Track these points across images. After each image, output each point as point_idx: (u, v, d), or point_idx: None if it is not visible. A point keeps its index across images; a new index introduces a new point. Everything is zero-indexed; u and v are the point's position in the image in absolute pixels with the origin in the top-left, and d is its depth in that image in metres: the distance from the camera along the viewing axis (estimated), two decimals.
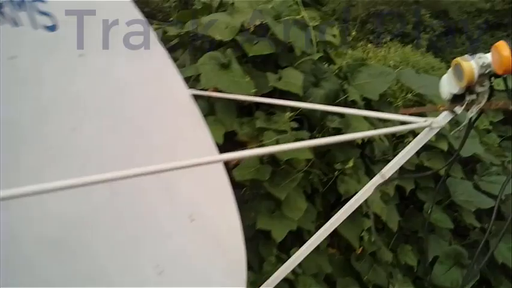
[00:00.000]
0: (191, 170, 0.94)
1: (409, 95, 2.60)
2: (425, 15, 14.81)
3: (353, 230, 2.41)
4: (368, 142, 2.70)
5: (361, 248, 2.67)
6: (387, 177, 1.17)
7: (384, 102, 2.47)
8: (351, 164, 2.03)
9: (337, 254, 2.75)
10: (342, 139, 1.24)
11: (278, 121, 1.87)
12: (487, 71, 0.98)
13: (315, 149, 2.13)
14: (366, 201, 1.99)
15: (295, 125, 1.93)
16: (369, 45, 7.54)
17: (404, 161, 1.15)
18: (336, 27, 2.67)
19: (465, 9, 15.57)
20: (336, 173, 2.15)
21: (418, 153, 2.89)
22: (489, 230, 1.38)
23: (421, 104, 2.92)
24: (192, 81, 1.87)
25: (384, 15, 14.24)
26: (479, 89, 1.01)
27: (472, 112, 1.05)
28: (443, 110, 1.13)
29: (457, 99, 1.10)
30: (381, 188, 1.27)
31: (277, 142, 1.79)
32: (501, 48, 0.91)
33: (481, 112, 1.07)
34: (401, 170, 1.32)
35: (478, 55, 1.00)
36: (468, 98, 1.05)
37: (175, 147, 1.46)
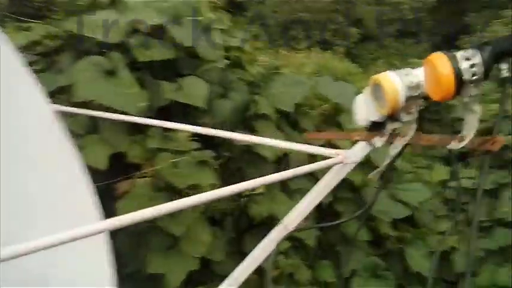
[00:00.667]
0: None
1: (327, 105, 2.47)
2: (343, 23, 15.43)
3: None
4: (284, 155, 2.53)
5: (277, 270, 2.49)
6: (291, 229, 0.94)
7: (300, 113, 2.31)
8: (260, 189, 1.82)
9: (252, 278, 2.54)
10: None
11: (176, 140, 1.59)
12: (417, 93, 0.75)
13: (223, 168, 1.88)
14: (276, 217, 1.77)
15: (196, 144, 1.66)
16: (283, 52, 7.54)
17: (312, 208, 0.93)
18: (249, 32, 2.47)
19: (378, 18, 16.49)
20: (247, 193, 1.92)
21: None
22: None
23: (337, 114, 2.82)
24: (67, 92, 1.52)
25: (305, 22, 14.55)
26: (405, 118, 0.80)
27: (396, 147, 0.84)
28: (359, 140, 0.94)
29: (376, 126, 0.90)
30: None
31: (175, 165, 1.51)
32: (438, 63, 0.65)
33: (405, 146, 0.84)
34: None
35: (404, 71, 0.76)
36: (390, 126, 0.85)
37: (26, 178, 1.11)
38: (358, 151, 0.92)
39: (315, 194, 0.92)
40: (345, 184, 2.98)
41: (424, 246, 2.99)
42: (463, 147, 0.71)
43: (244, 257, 0.96)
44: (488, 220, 3.07)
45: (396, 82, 0.74)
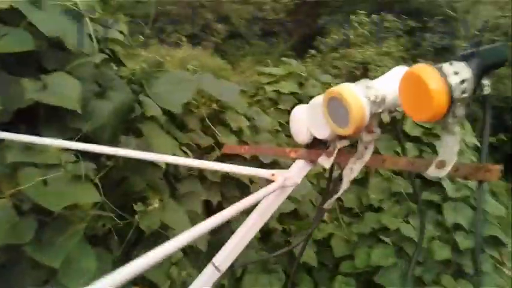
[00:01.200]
0: None
1: (214, 105, 2.36)
2: (211, 19, 15.53)
3: (158, 268, 2.01)
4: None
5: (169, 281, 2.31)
6: (224, 270, 0.80)
7: (188, 114, 2.15)
8: (155, 204, 1.61)
9: None
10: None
11: (44, 151, 1.29)
12: (381, 109, 0.67)
13: (104, 180, 1.62)
14: (168, 227, 1.59)
15: (70, 155, 1.36)
16: (158, 45, 7.20)
17: (244, 246, 0.81)
18: (124, 23, 2.20)
19: (244, 17, 17.06)
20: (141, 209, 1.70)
21: None
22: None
23: (222, 113, 2.74)
24: None
25: (172, 15, 14.19)
26: (366, 137, 0.71)
27: (352, 171, 0.76)
28: (295, 158, 0.84)
29: (318, 142, 0.82)
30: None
31: (44, 183, 1.22)
32: (427, 77, 0.55)
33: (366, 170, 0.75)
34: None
35: (363, 82, 0.66)
36: (339, 145, 0.77)
37: None
38: (299, 171, 0.83)
39: (247, 227, 0.78)
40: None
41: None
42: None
43: None
44: (359, 207, 3.39)
45: (361, 97, 0.65)
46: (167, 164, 2.26)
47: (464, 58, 0.58)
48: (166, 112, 1.95)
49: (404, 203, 3.13)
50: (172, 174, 2.34)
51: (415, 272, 2.78)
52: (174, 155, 2.05)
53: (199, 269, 2.69)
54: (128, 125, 1.71)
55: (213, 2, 15.84)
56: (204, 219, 2.52)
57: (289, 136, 4.68)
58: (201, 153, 2.60)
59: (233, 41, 16.24)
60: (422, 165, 0.63)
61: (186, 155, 2.40)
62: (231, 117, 2.75)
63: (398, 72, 0.70)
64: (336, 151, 0.78)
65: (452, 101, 0.56)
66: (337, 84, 3.75)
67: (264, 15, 17.33)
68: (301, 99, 4.61)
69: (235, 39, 16.36)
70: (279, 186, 0.78)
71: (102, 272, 1.73)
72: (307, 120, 0.78)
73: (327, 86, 4.83)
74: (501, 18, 14.23)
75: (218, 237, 3.01)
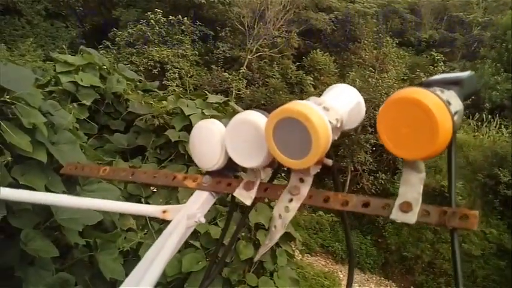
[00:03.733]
0: None
1: (6, 98, 1.83)
2: None
3: None
4: None
5: None
6: None
7: None
8: None
9: None
10: None
11: None
12: (338, 135, 0.55)
13: None
14: None
15: None
16: None
17: None
18: None
19: None
20: None
21: None
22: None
23: None
24: None
25: None
26: (313, 170, 0.57)
27: (289, 211, 0.58)
28: (195, 188, 0.65)
29: (224, 168, 0.64)
30: None
31: None
32: (433, 107, 0.44)
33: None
34: None
35: (315, 100, 0.55)
36: (263, 174, 0.62)
37: None
38: (201, 206, 0.64)
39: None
40: None
41: (115, 248, 2.84)
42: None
43: None
44: None
45: (327, 121, 0.52)
46: None
47: (445, 85, 0.50)
48: None
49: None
50: None
51: (223, 273, 2.88)
52: None
53: None
54: None
55: None
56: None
57: (90, 135, 4.17)
58: None
59: (9, 18, 13.57)
60: (380, 207, 0.53)
61: None
62: (22, 111, 2.24)
63: (344, 90, 0.63)
64: (257, 183, 0.63)
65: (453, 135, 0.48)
66: (143, 82, 3.56)
67: None
68: (104, 94, 4.19)
69: (12, 16, 13.72)
70: (184, 228, 0.60)
71: None
72: (227, 142, 0.61)
73: (132, 83, 4.54)
74: (278, 38, 16.72)
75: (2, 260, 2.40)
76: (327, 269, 11.34)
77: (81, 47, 4.94)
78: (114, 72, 4.52)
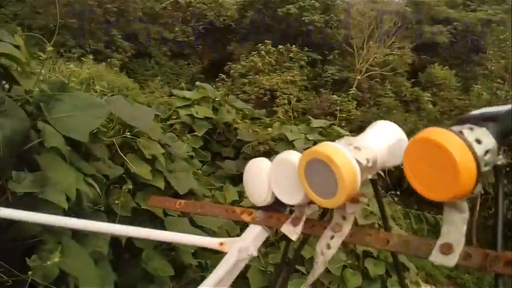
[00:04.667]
0: None
1: (127, 133, 2.13)
2: (116, 36, 14.89)
3: None
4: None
5: None
6: None
7: (96, 143, 1.90)
8: (54, 255, 1.34)
9: None
10: None
11: None
12: (371, 175, 0.55)
13: None
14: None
15: None
16: (60, 60, 6.61)
17: None
18: (21, 36, 1.89)
19: (153, 36, 16.72)
20: None
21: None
22: None
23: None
24: None
25: (74, 29, 13.27)
26: (350, 208, 0.56)
27: (330, 248, 0.58)
28: (250, 222, 0.70)
29: (276, 203, 0.69)
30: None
31: None
32: (453, 148, 0.43)
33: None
34: None
35: (347, 140, 0.56)
36: (307, 211, 0.65)
37: None
38: (255, 240, 0.67)
39: None
40: None
41: None
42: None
43: None
44: (274, 235, 3.37)
45: (353, 161, 0.52)
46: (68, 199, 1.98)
47: (481, 122, 0.47)
48: (70, 141, 1.70)
49: None
50: (73, 210, 2.05)
51: None
52: (77, 189, 1.79)
53: None
54: (21, 157, 1.43)
55: (118, 18, 15.22)
56: (111, 260, 2.23)
57: (204, 162, 4.50)
58: (109, 184, 2.34)
59: (141, 60, 15.73)
60: (421, 247, 0.50)
61: (91, 187, 2.13)
62: (143, 143, 2.54)
63: (383, 127, 0.62)
64: (303, 219, 0.64)
65: (478, 176, 0.44)
66: (250, 111, 3.73)
67: (173, 36, 17.17)
68: (216, 124, 4.53)
69: (143, 58, 15.87)
70: (233, 261, 0.64)
71: None
72: (271, 180, 0.64)
73: (241, 112, 4.82)
74: (389, 55, 16.08)
75: (124, 280, 2.72)
76: None
77: (197, 82, 5.44)
78: (225, 104, 4.86)
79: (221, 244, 0.68)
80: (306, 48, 16.14)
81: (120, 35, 15.01)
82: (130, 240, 2.60)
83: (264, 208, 0.70)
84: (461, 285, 10.70)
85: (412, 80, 16.26)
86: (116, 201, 2.11)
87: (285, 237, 0.65)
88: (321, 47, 17.02)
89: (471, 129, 0.47)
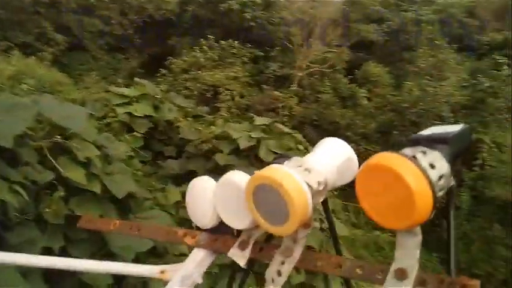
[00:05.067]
0: None
1: (57, 136, 1.99)
2: (48, 28, 13.90)
3: None
4: None
5: None
6: None
7: (23, 147, 1.75)
8: None
9: None
10: None
11: None
12: (323, 197, 0.52)
13: None
14: None
15: None
16: None
17: None
18: None
19: (88, 29, 15.82)
20: None
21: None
22: None
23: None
24: None
25: (2, 20, 12.19)
26: (301, 233, 0.54)
27: (281, 275, 0.55)
28: (193, 245, 0.66)
29: (222, 226, 0.65)
30: None
31: None
32: (408, 175, 0.42)
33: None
34: None
35: (295, 162, 0.52)
36: (254, 234, 0.62)
37: None
38: (198, 266, 0.63)
39: None
40: None
41: None
42: None
43: None
44: None
45: (304, 186, 0.49)
46: None
47: (431, 145, 0.45)
48: None
49: None
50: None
51: None
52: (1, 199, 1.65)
53: None
54: None
55: (48, 10, 14.22)
56: (43, 272, 2.09)
57: (144, 162, 4.35)
58: (39, 191, 2.18)
59: (75, 54, 14.80)
60: (375, 273, 0.48)
61: (17, 195, 1.97)
62: (77, 145, 2.39)
63: (332, 145, 0.59)
64: (251, 242, 0.60)
65: (434, 202, 0.43)
66: (192, 108, 3.68)
67: (110, 29, 16.38)
68: (157, 122, 4.39)
69: (78, 52, 14.95)
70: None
71: None
72: (217, 201, 0.60)
73: (183, 110, 4.71)
74: (328, 53, 16.58)
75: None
76: None
77: (135, 78, 5.24)
78: (166, 101, 4.73)
79: (162, 272, 0.64)
80: (248, 45, 16.18)
81: (51, 27, 14.04)
82: (64, 248, 2.45)
83: (209, 231, 0.65)
84: None
85: (349, 77, 16.92)
86: (47, 209, 1.97)
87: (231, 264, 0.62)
88: (263, 43, 17.14)
89: (424, 153, 0.45)
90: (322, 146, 0.60)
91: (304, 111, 14.71)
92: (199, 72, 14.29)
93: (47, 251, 2.31)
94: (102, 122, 4.23)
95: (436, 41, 14.30)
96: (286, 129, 4.51)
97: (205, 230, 0.65)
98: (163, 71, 14.59)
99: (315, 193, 0.50)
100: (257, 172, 0.50)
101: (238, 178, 0.58)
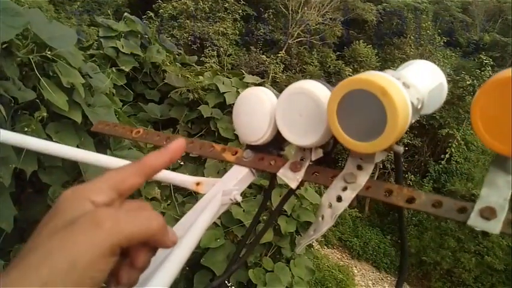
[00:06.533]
0: None
1: (47, 52, 1.85)
2: None
3: None
4: None
5: None
6: None
7: (7, 58, 1.62)
8: None
9: None
10: None
11: None
12: (416, 118, 0.47)
13: None
14: None
15: None
16: None
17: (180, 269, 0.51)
18: None
19: None
20: None
21: None
22: None
23: None
24: None
25: None
26: (378, 157, 0.48)
27: (342, 201, 0.49)
28: (234, 163, 0.60)
29: (268, 144, 0.61)
30: None
31: None
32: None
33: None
34: None
35: (395, 75, 0.46)
36: (313, 156, 0.53)
37: None
38: (239, 183, 0.58)
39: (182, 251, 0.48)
40: None
41: None
42: None
43: None
44: None
45: (408, 98, 0.43)
46: None
47: None
48: None
49: None
50: None
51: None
52: None
53: None
54: None
55: None
56: (12, 192, 2.00)
57: (125, 102, 4.22)
58: (17, 109, 2.05)
59: None
60: (455, 210, 0.43)
61: None
62: (62, 70, 2.26)
63: (426, 67, 0.54)
64: (307, 164, 0.54)
65: None
66: (182, 55, 3.51)
67: None
68: (143, 63, 4.21)
69: None
70: (218, 206, 0.55)
71: None
72: (278, 114, 0.53)
73: (171, 55, 4.54)
74: (321, 25, 16.35)
75: (27, 214, 2.48)
76: (342, 262, 11.26)
77: (126, 14, 4.96)
78: (154, 43, 4.53)
79: (197, 184, 0.59)
80: (242, 2, 15.68)
81: None
82: (35, 173, 2.36)
83: (254, 148, 0.59)
84: (350, 247, 11.90)
85: (338, 53, 16.83)
86: (26, 129, 1.86)
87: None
88: (257, 3, 16.66)
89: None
90: (414, 66, 0.55)
91: (288, 79, 14.61)
92: (188, 21, 13.79)
93: (20, 172, 2.23)
94: (86, 52, 4.01)
95: (427, 31, 14.35)
96: (275, 92, 4.44)
97: (249, 147, 0.59)
98: (150, 13, 13.98)
99: (413, 111, 0.45)
100: (352, 77, 0.44)
101: (314, 87, 0.51)
